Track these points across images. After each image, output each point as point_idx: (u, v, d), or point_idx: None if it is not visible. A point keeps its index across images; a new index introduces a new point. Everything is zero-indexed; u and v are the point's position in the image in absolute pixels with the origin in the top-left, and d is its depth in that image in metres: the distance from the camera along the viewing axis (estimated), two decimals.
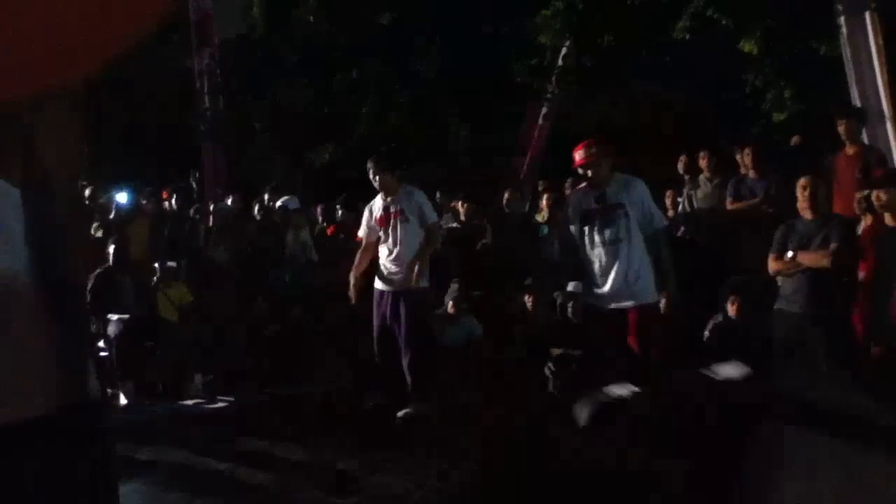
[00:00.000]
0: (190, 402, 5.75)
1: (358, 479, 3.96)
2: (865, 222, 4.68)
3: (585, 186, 4.63)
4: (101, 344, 6.00)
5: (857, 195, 4.93)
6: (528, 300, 5.96)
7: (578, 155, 4.53)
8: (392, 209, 5.12)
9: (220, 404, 5.70)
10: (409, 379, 5.06)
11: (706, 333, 5.28)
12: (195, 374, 6.09)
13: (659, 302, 4.65)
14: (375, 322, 5.20)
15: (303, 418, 5.30)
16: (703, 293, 6.16)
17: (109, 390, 5.79)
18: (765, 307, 4.64)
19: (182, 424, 5.29)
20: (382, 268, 5.15)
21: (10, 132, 1.25)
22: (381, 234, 5.16)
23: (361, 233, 5.35)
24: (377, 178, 5.13)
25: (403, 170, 5.38)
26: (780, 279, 4.43)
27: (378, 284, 5.17)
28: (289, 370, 6.43)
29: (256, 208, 7.76)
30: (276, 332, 6.67)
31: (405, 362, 5.08)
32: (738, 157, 6.43)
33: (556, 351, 5.54)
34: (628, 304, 4.43)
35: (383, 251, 5.15)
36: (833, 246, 4.16)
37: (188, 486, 3.80)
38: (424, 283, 5.12)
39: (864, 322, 4.17)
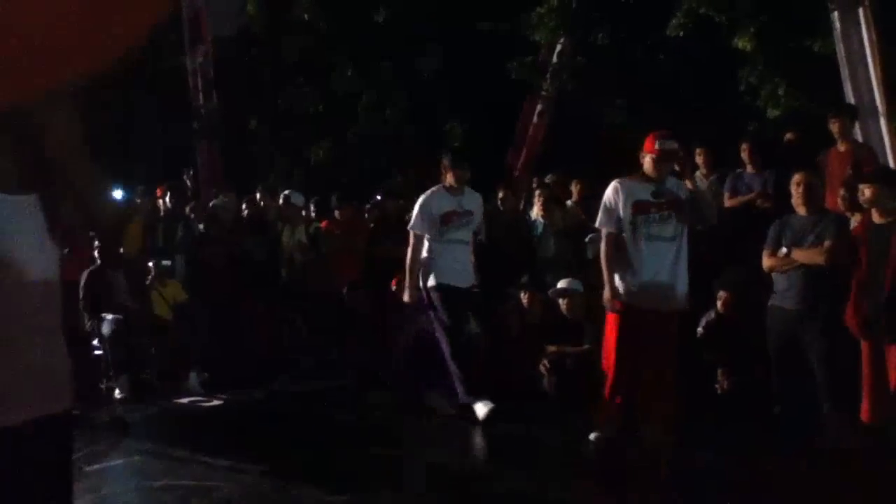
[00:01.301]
0: (185, 400, 5.74)
1: (356, 478, 3.96)
2: (855, 220, 4.69)
3: (637, 177, 4.38)
4: (95, 342, 5.98)
5: (841, 192, 4.94)
6: (523, 297, 5.96)
7: (662, 143, 4.29)
8: (464, 208, 5.08)
9: (216, 402, 5.69)
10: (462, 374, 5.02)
11: (700, 330, 5.30)
12: (190, 372, 6.09)
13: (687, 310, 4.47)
14: (452, 318, 5.00)
15: (299, 417, 5.30)
16: (699, 290, 6.17)
17: (104, 384, 5.80)
18: (757, 303, 4.65)
19: (177, 423, 5.29)
20: (455, 263, 5.04)
21: (15, 136, 1.26)
22: (448, 229, 5.03)
23: (416, 228, 5.07)
24: (458, 173, 5.05)
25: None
26: (774, 275, 4.43)
27: (447, 279, 5.01)
28: (284, 368, 6.43)
29: (244, 206, 7.66)
30: (271, 330, 6.67)
31: (472, 359, 5.09)
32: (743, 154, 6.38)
33: (550, 348, 5.54)
34: (666, 307, 4.26)
35: (449, 248, 5.03)
36: (828, 243, 4.17)
37: (183, 485, 3.79)
38: None
39: (857, 318, 4.18)
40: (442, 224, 5.02)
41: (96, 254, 6.02)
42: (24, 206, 1.34)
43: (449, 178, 5.10)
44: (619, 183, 4.39)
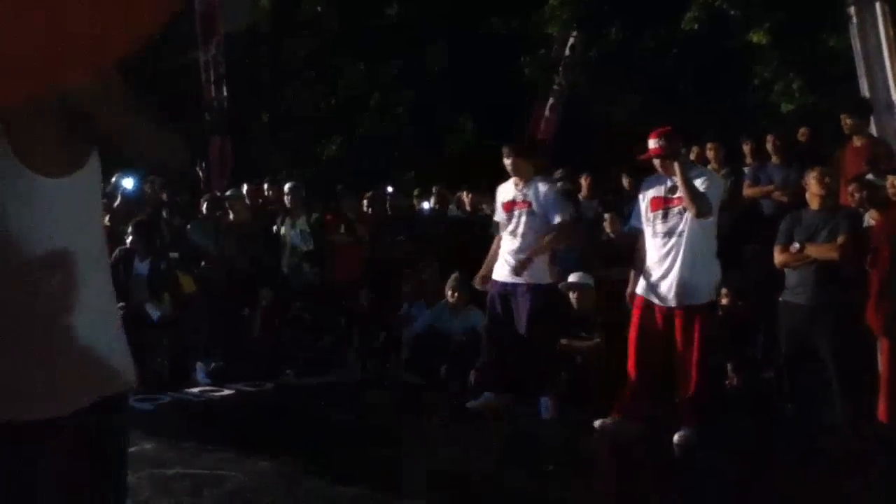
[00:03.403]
0: (196, 389, 5.78)
1: (361, 471, 3.98)
2: (872, 218, 4.63)
3: (655, 175, 4.47)
4: None
5: (850, 187, 4.87)
6: None
7: (652, 143, 4.34)
8: (521, 198, 4.91)
9: (226, 392, 5.73)
10: (514, 373, 4.97)
11: None
12: (198, 362, 6.11)
13: (712, 303, 4.47)
14: (488, 316, 5.10)
15: (305, 409, 5.32)
16: None
17: None
18: (766, 298, 4.63)
19: (188, 412, 5.32)
20: (504, 256, 4.94)
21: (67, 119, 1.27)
22: (505, 220, 4.98)
23: (497, 217, 5.14)
24: (509, 161, 4.88)
25: (540, 159, 5.13)
26: (786, 270, 4.40)
27: (494, 274, 4.98)
28: (291, 361, 6.44)
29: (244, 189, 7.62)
30: (275, 324, 6.66)
31: (515, 357, 4.97)
32: (744, 147, 6.43)
33: (561, 342, 5.52)
34: (674, 303, 4.28)
35: (506, 240, 4.97)
36: (841, 238, 4.14)
37: (196, 474, 3.82)
38: (546, 279, 4.94)
39: (879, 318, 4.14)
40: (504, 213, 4.99)
41: (128, 241, 5.98)
42: (73, 187, 1.35)
43: (510, 169, 4.98)
44: (644, 181, 4.60)
